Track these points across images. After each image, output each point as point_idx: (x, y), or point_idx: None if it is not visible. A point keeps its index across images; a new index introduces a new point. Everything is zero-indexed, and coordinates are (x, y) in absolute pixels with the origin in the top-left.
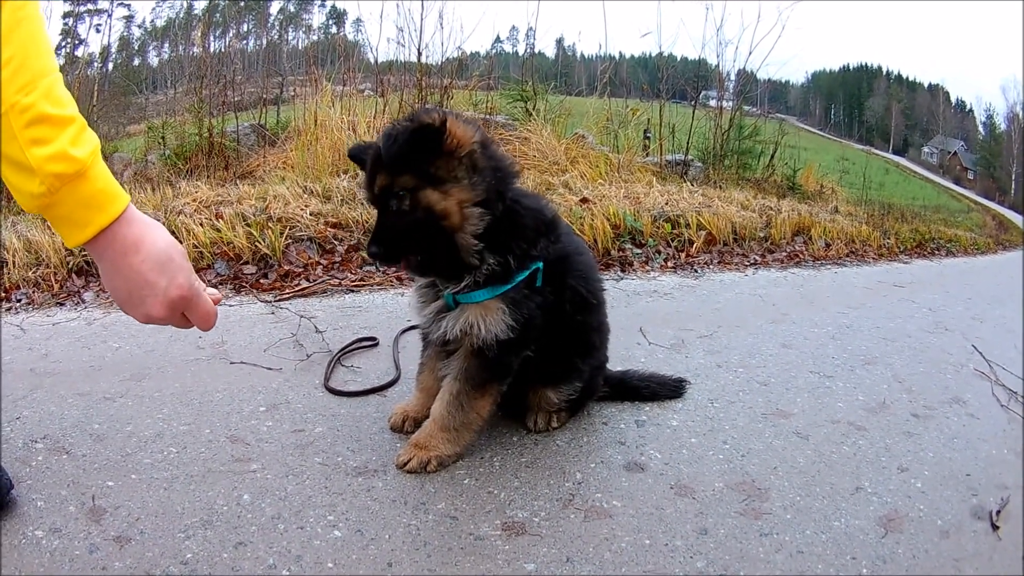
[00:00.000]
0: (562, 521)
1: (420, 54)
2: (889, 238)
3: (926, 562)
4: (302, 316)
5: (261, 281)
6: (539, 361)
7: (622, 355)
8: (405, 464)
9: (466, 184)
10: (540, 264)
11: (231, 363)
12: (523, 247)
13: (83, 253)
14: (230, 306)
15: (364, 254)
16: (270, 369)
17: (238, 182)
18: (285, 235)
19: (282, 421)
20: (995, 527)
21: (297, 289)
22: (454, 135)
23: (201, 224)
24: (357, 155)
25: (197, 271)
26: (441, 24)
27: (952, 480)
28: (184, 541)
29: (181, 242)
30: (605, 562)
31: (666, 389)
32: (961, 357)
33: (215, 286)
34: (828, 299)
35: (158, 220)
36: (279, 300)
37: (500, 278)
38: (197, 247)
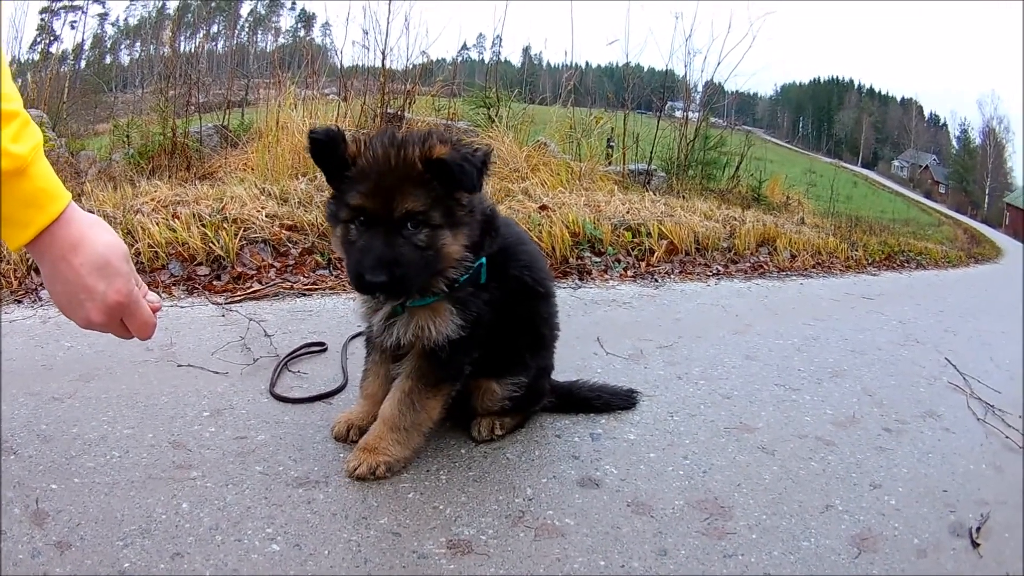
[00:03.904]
0: (511, 539)
1: (384, 57)
2: (857, 250)
3: None
4: (252, 319)
5: (214, 283)
6: (484, 352)
7: (578, 365)
8: (355, 470)
9: (467, 230)
10: (483, 260)
11: (178, 366)
12: (476, 253)
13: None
14: (181, 308)
15: (318, 257)
16: (216, 373)
17: (198, 182)
18: (240, 237)
19: (225, 427)
20: (976, 544)
21: (249, 291)
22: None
23: (157, 224)
24: (327, 141)
25: (151, 271)
26: (407, 28)
27: (928, 496)
28: (122, 549)
29: (136, 242)
30: None
31: (618, 399)
32: (934, 370)
33: (169, 287)
34: (793, 311)
35: (116, 219)
36: (230, 302)
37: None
38: (153, 247)
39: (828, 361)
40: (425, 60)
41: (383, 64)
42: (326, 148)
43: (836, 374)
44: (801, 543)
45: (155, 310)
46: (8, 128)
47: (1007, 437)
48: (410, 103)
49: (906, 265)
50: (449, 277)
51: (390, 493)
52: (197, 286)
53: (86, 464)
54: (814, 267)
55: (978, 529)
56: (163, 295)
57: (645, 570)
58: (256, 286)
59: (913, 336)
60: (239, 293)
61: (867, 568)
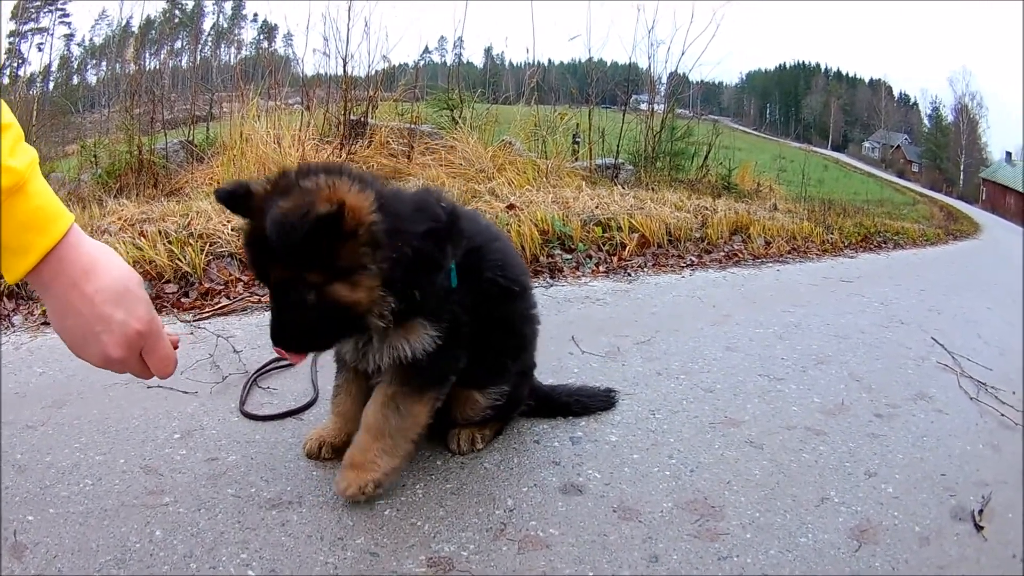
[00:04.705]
0: (493, 554)
1: (345, 63)
2: (833, 233)
3: (907, 573)
4: (220, 336)
5: (182, 300)
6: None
7: (553, 366)
8: (345, 491)
9: (373, 270)
10: (452, 265)
11: (148, 387)
12: (432, 273)
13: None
14: None
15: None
16: (185, 393)
17: (164, 199)
18: (206, 252)
19: (196, 449)
20: (979, 527)
21: (217, 307)
22: (352, 210)
23: (124, 243)
24: (226, 200)
25: None
26: (367, 33)
27: (926, 482)
28: None
29: None
30: None
31: (597, 401)
32: (921, 351)
33: None
34: (772, 298)
35: None
36: (198, 319)
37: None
38: None
39: (811, 348)
40: (387, 65)
41: (344, 71)
42: (234, 207)
43: (821, 361)
44: (798, 539)
45: (174, 344)
46: (4, 139)
47: (1002, 415)
48: (373, 109)
49: (883, 246)
50: (377, 321)
51: (366, 511)
52: (166, 304)
53: (60, 494)
54: (790, 253)
55: (980, 511)
56: None
57: None
58: (224, 301)
59: (896, 317)
60: (207, 309)
61: (869, 561)
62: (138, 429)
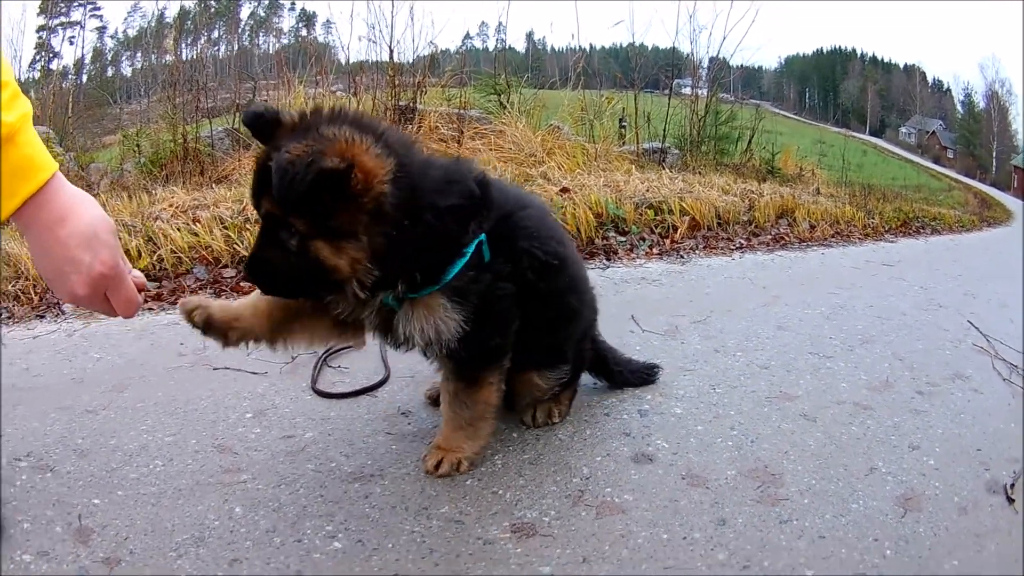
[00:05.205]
0: (573, 519)
1: (392, 52)
2: (873, 218)
3: (947, 540)
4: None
5: (242, 284)
6: (516, 342)
7: (616, 343)
8: (437, 467)
9: (363, 242)
10: (482, 236)
11: (214, 369)
12: (448, 248)
13: None
14: None
15: None
16: (255, 374)
17: (214, 186)
18: None
19: (270, 427)
20: (1011, 500)
21: None
22: (362, 172)
23: (178, 229)
24: (252, 123)
25: (176, 276)
26: (412, 20)
27: (964, 456)
28: (176, 560)
29: (158, 248)
30: (623, 560)
31: (637, 377)
32: (958, 333)
33: (196, 291)
34: (818, 280)
35: (136, 227)
36: None
37: (436, 271)
38: (176, 252)
39: (857, 328)
40: (433, 50)
41: (390, 57)
42: (257, 130)
43: (866, 340)
44: (850, 505)
45: (140, 288)
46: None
47: None
48: (422, 94)
49: (921, 231)
50: (355, 291)
51: (447, 482)
52: (224, 288)
53: (129, 476)
54: (833, 236)
55: (1011, 486)
56: None
57: (707, 540)
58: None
59: (935, 300)
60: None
61: (914, 527)
62: (207, 410)
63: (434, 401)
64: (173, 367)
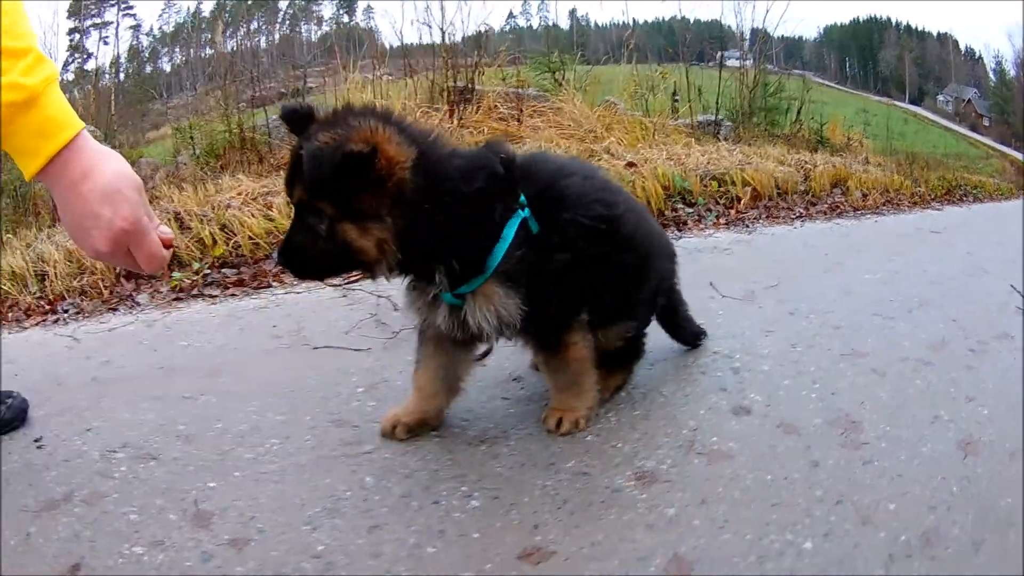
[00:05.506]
0: (687, 466)
1: (443, 32)
2: (920, 186)
3: (1002, 481)
4: (378, 295)
5: None
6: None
7: (698, 309)
8: (558, 426)
9: (388, 223)
10: (521, 214)
11: (314, 348)
12: (474, 235)
13: None
14: (298, 294)
15: None
16: (358, 351)
17: (278, 174)
18: None
19: (385, 400)
20: None
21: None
22: (385, 159)
23: (252, 216)
24: (288, 118)
25: (255, 262)
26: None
27: (1013, 408)
28: (312, 533)
29: (235, 235)
30: (736, 500)
31: (692, 338)
32: (1002, 297)
33: (278, 275)
34: (873, 247)
35: (207, 216)
36: (348, 284)
37: (479, 259)
38: (253, 239)
39: (912, 292)
40: (486, 29)
41: (442, 39)
42: (293, 124)
43: (922, 303)
44: (920, 449)
45: (167, 244)
46: (21, 63)
47: None
48: (480, 75)
49: (964, 199)
50: (383, 273)
51: (568, 439)
52: None
53: (243, 456)
54: (884, 205)
55: None
56: (273, 284)
57: (804, 480)
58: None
59: (981, 266)
60: (354, 274)
61: (974, 468)
62: (316, 388)
63: (538, 368)
64: (270, 349)
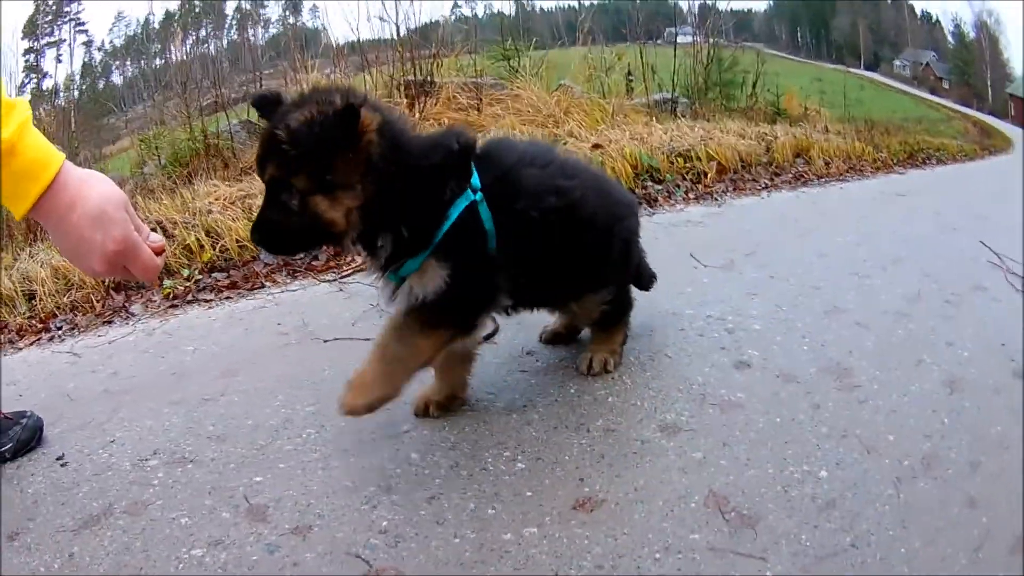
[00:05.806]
0: (704, 416)
1: (398, 28)
2: (882, 152)
3: (989, 413)
4: (374, 287)
5: (313, 264)
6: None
7: (686, 278)
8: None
9: (358, 191)
10: (467, 200)
11: (325, 341)
12: (424, 208)
13: None
14: (293, 291)
15: None
16: (366, 340)
17: (247, 178)
18: None
19: (410, 384)
20: None
21: (356, 266)
22: (362, 120)
23: (235, 219)
24: (259, 104)
25: (243, 264)
26: None
27: (991, 350)
28: (372, 511)
29: (221, 239)
30: (754, 442)
31: (648, 283)
32: (973, 252)
33: (270, 275)
34: (842, 212)
35: (190, 223)
36: (342, 279)
37: (423, 238)
38: (239, 241)
39: (886, 251)
40: (441, 19)
41: (398, 33)
42: (263, 109)
43: (896, 261)
44: (909, 388)
45: (158, 252)
46: None
47: None
48: (438, 67)
49: (927, 162)
50: (349, 244)
51: (591, 401)
52: (299, 270)
53: (283, 448)
54: (847, 171)
55: None
56: (266, 284)
57: (809, 420)
58: (358, 259)
59: (949, 224)
60: (346, 269)
61: (960, 402)
62: (336, 378)
63: (548, 341)
64: (280, 346)
